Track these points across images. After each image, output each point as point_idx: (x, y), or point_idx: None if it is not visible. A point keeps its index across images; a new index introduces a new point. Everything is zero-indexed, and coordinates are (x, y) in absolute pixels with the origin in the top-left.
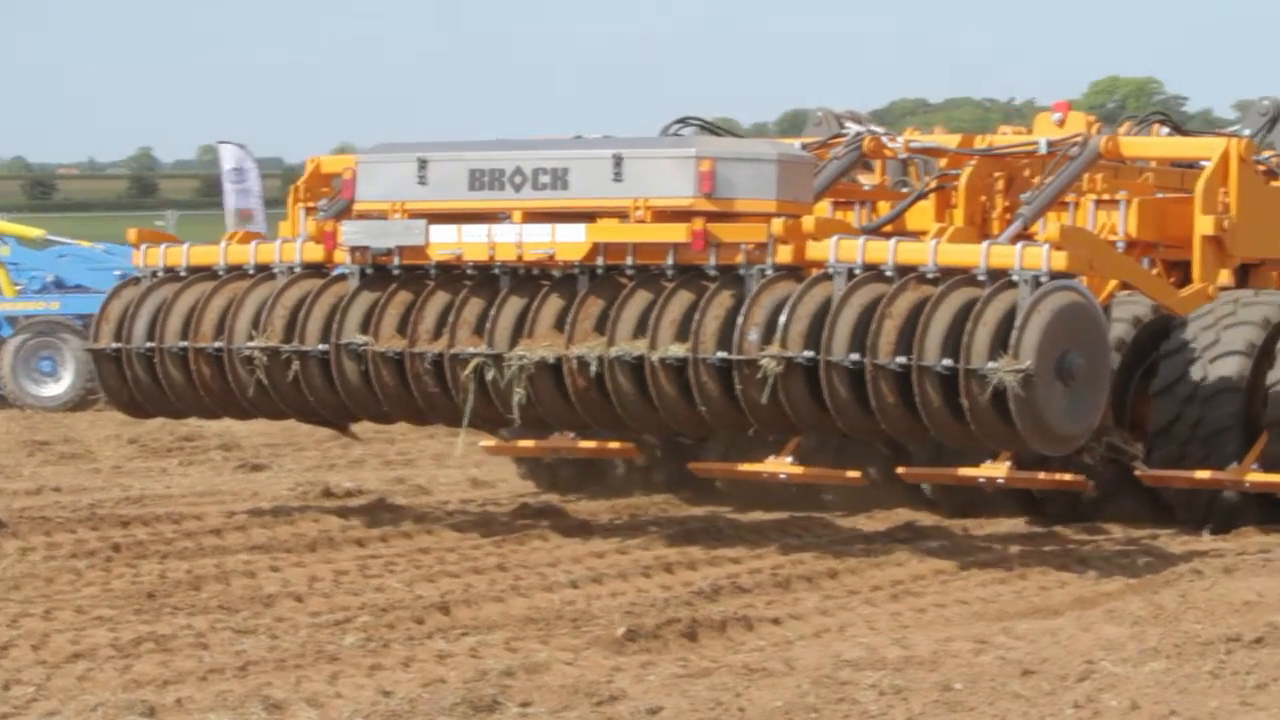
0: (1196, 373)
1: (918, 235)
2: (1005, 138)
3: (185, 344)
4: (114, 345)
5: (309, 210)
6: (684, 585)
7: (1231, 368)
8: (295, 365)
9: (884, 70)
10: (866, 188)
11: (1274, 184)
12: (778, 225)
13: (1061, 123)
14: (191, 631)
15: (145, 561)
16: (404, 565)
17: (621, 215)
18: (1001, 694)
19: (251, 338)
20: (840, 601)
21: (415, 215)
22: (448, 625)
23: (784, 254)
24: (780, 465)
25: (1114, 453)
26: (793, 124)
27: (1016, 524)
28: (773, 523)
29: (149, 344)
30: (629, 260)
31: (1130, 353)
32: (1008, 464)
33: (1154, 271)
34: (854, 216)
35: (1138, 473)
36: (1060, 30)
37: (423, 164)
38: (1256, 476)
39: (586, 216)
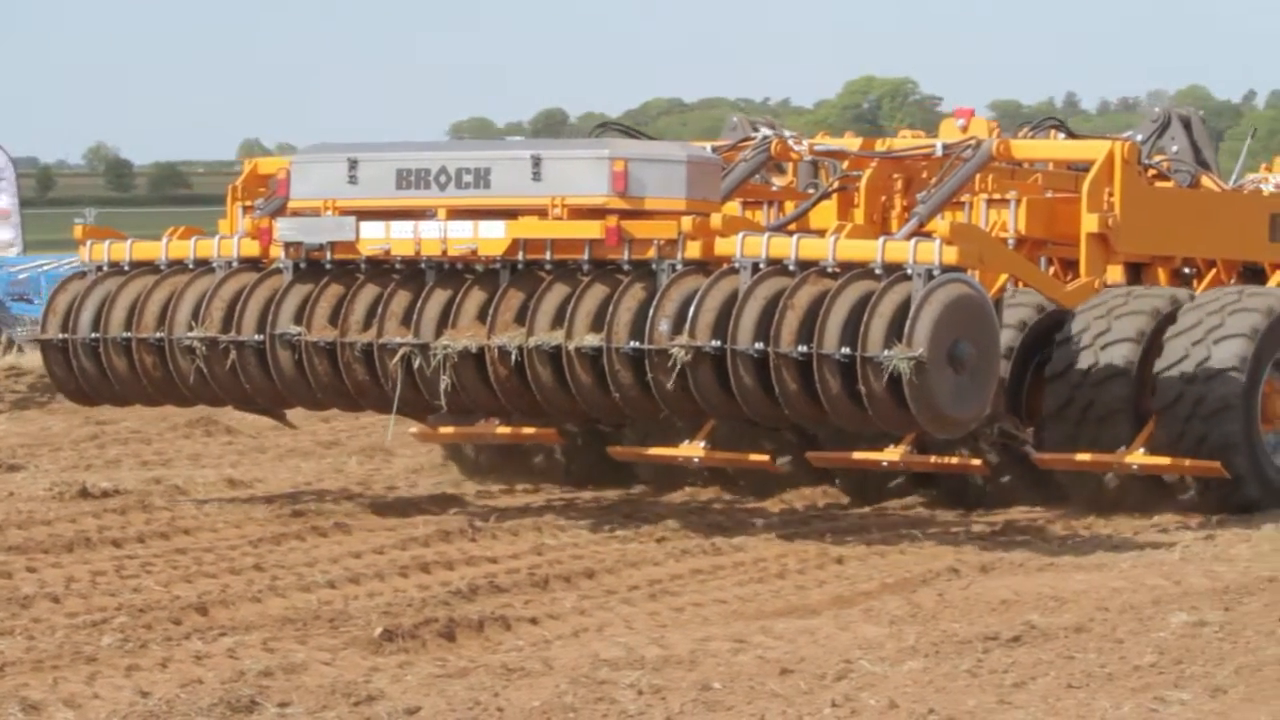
0: (1088, 359)
1: (821, 233)
2: (905, 141)
3: (129, 334)
4: (61, 336)
5: (246, 209)
6: (441, 585)
7: (1121, 355)
8: (233, 354)
9: (638, 70)
10: (776, 189)
11: (1160, 185)
12: (687, 222)
13: (965, 128)
14: None
15: None
16: (161, 566)
17: (540, 213)
18: (760, 693)
19: (191, 328)
20: (598, 601)
21: (346, 212)
22: (205, 626)
23: (693, 249)
24: (693, 450)
25: (1006, 438)
26: (548, 124)
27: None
28: (530, 523)
29: (94, 334)
30: (547, 255)
31: (1030, 338)
32: (905, 448)
33: (1050, 270)
34: (763, 216)
35: (1033, 457)
36: (815, 30)
37: (353, 164)
38: (1140, 459)
39: (507, 214)
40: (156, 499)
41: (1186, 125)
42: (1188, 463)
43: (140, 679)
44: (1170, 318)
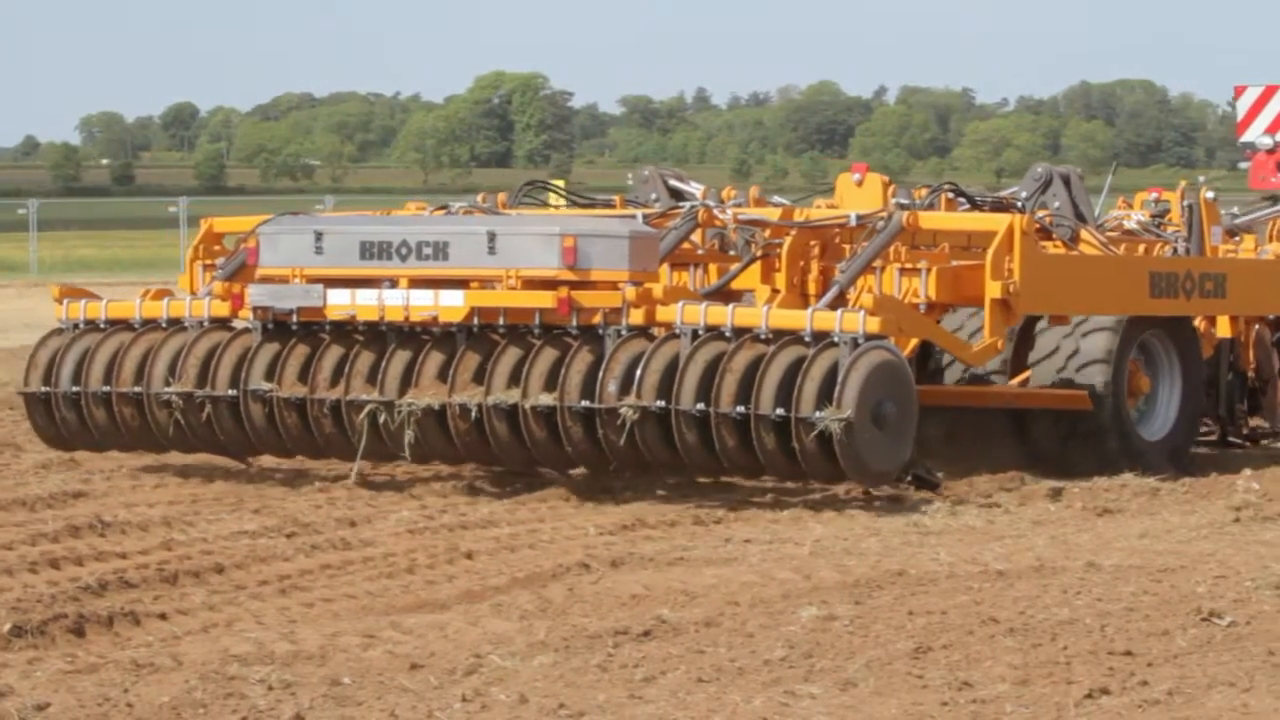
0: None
1: (743, 294)
2: (820, 211)
3: (108, 388)
4: (44, 389)
5: (207, 267)
6: (71, 581)
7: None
8: (208, 408)
9: (270, 65)
10: (700, 251)
11: (1046, 245)
12: (631, 292)
13: (860, 182)
14: None
15: None
16: None
17: (495, 283)
18: (390, 688)
19: (168, 383)
20: (228, 596)
21: (313, 280)
22: None
23: (636, 316)
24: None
25: (920, 481)
26: (177, 117)
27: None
28: (159, 517)
29: (75, 388)
30: (501, 321)
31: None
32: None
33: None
34: (689, 276)
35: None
36: (443, 25)
37: (319, 236)
38: (1011, 389)
39: (464, 284)
40: None
41: (1066, 182)
42: (1053, 392)
43: None
44: None
